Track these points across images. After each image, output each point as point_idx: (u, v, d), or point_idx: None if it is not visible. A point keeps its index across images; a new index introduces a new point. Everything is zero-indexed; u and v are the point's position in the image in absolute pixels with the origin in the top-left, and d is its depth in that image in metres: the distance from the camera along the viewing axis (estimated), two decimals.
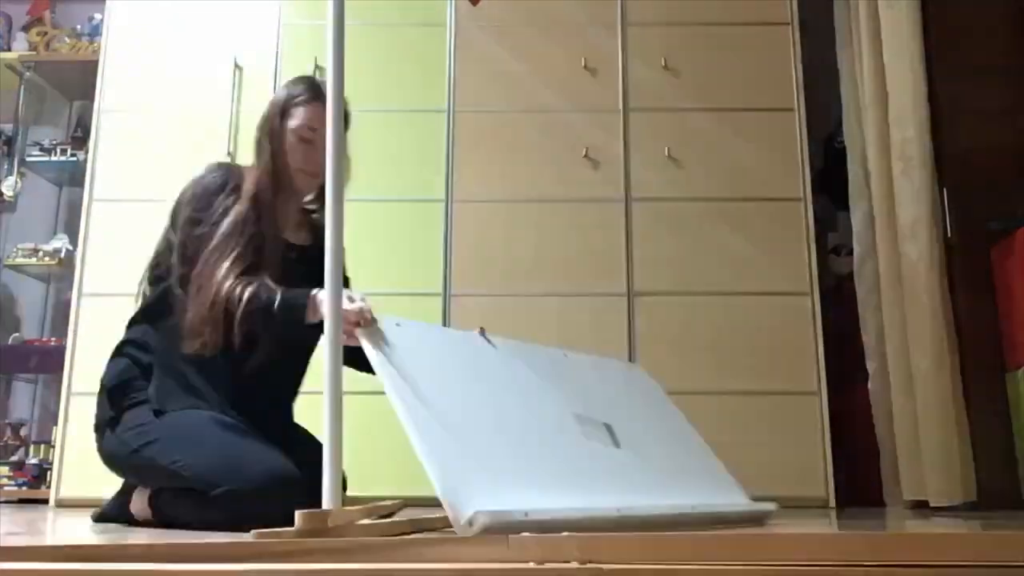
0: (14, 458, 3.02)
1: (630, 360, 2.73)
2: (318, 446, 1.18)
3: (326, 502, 1.11)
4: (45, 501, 2.70)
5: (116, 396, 1.66)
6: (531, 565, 0.73)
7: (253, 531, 1.03)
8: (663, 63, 2.97)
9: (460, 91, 2.97)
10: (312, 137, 1.72)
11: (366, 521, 1.29)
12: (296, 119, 1.74)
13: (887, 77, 2.63)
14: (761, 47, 2.99)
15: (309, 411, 2.58)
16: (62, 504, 2.63)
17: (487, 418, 1.30)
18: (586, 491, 1.27)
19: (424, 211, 2.87)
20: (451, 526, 1.07)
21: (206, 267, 1.59)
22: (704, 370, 2.73)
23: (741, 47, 2.98)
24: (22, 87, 3.41)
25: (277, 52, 2.99)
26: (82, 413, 2.70)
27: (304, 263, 1.65)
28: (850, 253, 2.88)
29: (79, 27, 3.51)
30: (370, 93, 2.95)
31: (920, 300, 2.38)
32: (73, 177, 3.45)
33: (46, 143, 3.40)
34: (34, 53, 3.42)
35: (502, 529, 0.98)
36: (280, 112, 1.75)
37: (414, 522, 1.37)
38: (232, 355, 1.56)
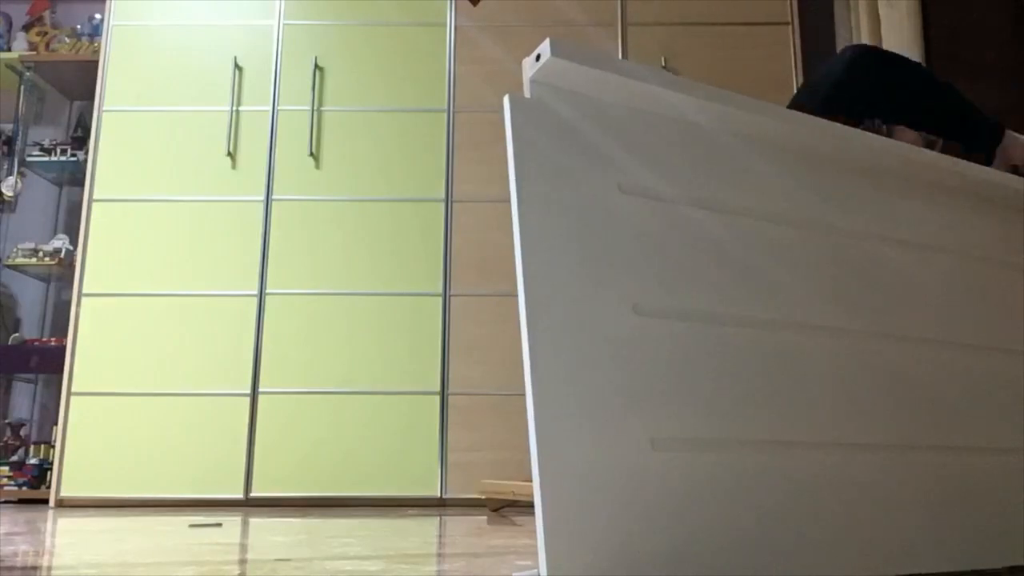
0: (14, 458, 3.02)
1: None
2: None
3: None
4: (45, 501, 2.71)
5: None
6: None
7: None
8: (663, 63, 2.97)
9: (460, 91, 2.97)
10: None
11: None
12: None
13: None
14: (761, 47, 2.99)
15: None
16: (62, 504, 2.63)
17: None
18: None
19: (424, 211, 2.87)
20: None
21: None
22: None
23: (741, 47, 2.99)
24: (22, 87, 3.41)
25: (277, 52, 2.99)
26: (82, 413, 2.70)
27: None
28: None
29: (79, 27, 3.52)
30: (370, 93, 2.95)
31: None
32: (73, 177, 3.45)
33: (46, 143, 3.40)
34: (34, 53, 3.42)
35: None
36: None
37: None
38: None
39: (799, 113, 0.86)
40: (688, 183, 0.78)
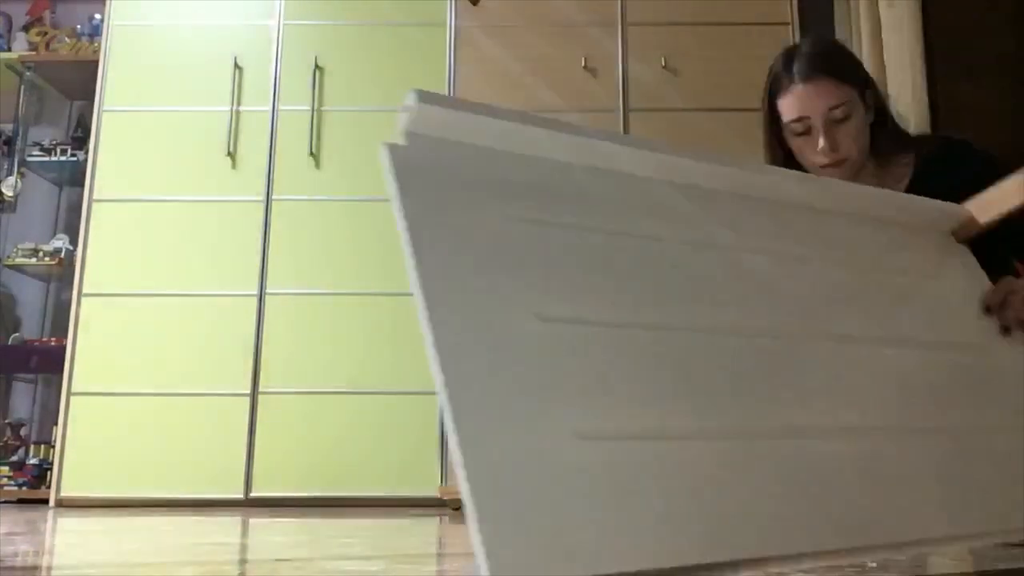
0: (14, 458, 3.02)
1: None
2: None
3: None
4: (45, 501, 2.70)
5: None
6: None
7: None
8: (663, 63, 2.97)
9: (460, 91, 2.97)
10: (803, 130, 1.34)
11: None
12: (785, 113, 1.36)
13: (887, 77, 2.63)
14: (761, 47, 2.99)
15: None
16: (62, 504, 2.63)
17: None
18: None
19: None
20: None
21: None
22: None
23: (741, 47, 2.98)
24: (22, 87, 3.41)
25: (277, 52, 2.99)
26: (82, 413, 2.70)
27: None
28: None
29: (79, 27, 3.51)
30: (370, 93, 2.95)
31: None
32: (73, 177, 3.45)
33: (46, 143, 3.40)
34: (34, 53, 3.42)
35: None
36: (769, 104, 1.39)
37: None
38: None
39: (663, 155, 0.92)
40: (570, 210, 0.86)
